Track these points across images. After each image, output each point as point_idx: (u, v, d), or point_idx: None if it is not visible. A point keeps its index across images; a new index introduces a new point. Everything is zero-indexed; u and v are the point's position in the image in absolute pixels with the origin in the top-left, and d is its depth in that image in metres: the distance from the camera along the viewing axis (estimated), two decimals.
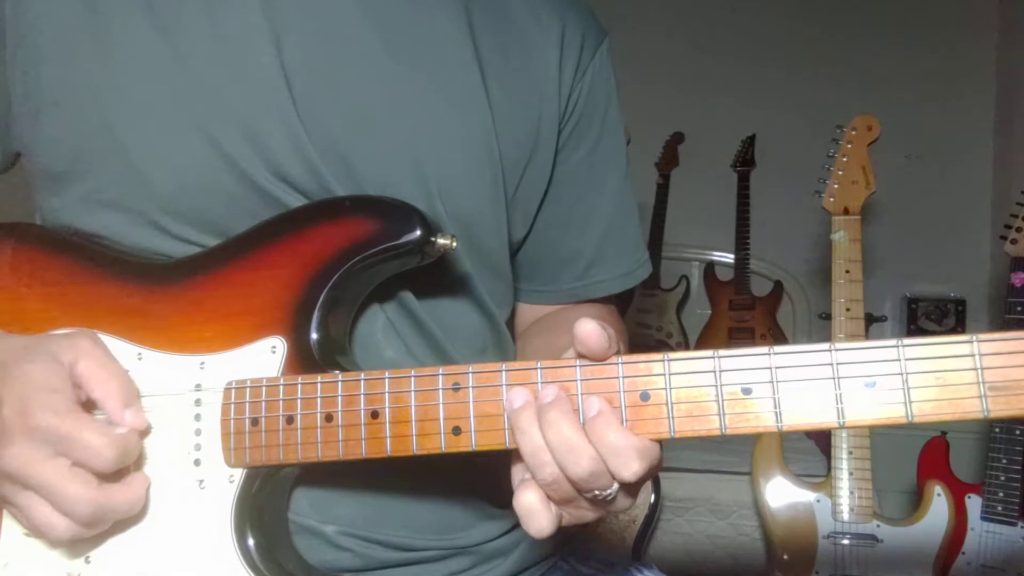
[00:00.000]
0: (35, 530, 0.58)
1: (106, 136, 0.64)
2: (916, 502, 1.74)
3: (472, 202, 0.71)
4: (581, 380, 0.53)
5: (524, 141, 0.74)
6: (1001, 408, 0.47)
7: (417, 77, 0.69)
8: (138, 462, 0.61)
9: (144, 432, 0.61)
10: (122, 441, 0.57)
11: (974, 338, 0.47)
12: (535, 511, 0.53)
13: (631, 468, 0.51)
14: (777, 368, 0.50)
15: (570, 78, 0.77)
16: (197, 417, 0.62)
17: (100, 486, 0.57)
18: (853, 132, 1.71)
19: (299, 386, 0.59)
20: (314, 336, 0.61)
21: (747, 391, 0.51)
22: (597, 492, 0.52)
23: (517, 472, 0.55)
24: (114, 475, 0.58)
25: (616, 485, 0.52)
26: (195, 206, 0.65)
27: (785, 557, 1.70)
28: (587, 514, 0.55)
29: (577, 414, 0.53)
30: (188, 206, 0.65)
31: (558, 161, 0.78)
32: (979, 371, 0.47)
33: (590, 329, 0.52)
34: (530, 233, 0.81)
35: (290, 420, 0.59)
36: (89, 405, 0.59)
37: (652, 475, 0.55)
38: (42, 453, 0.55)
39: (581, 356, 0.53)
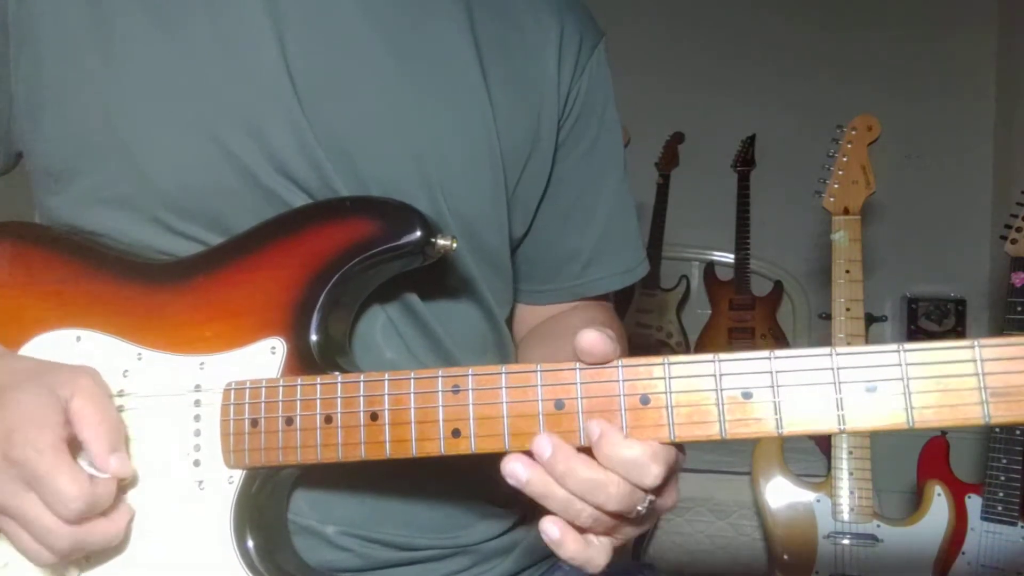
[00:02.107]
0: (22, 554, 0.58)
1: (108, 134, 0.64)
2: (916, 502, 1.74)
3: (473, 200, 0.71)
4: (581, 383, 0.53)
5: (524, 139, 0.74)
6: (1002, 414, 0.46)
7: (418, 76, 0.69)
8: (131, 482, 0.61)
9: (129, 480, 0.61)
10: (92, 493, 0.56)
11: (975, 343, 0.47)
12: (585, 555, 0.53)
13: (652, 474, 0.51)
14: (778, 372, 0.50)
15: (568, 77, 0.77)
16: (196, 418, 0.62)
17: (79, 521, 0.56)
18: (853, 132, 1.70)
19: (298, 387, 0.59)
20: (314, 337, 0.61)
21: (747, 395, 0.50)
22: (639, 508, 0.52)
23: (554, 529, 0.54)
24: None
25: (648, 496, 0.52)
26: (197, 203, 0.65)
27: (785, 557, 1.70)
28: (634, 531, 0.55)
29: (575, 428, 0.53)
30: (190, 203, 0.65)
31: (557, 159, 0.78)
32: (980, 376, 0.47)
33: (592, 338, 0.52)
34: (529, 231, 0.81)
35: (289, 421, 0.59)
36: (78, 443, 0.59)
37: (677, 471, 0.55)
38: (18, 486, 0.55)
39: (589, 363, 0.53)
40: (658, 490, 0.53)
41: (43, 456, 0.55)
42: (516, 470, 0.52)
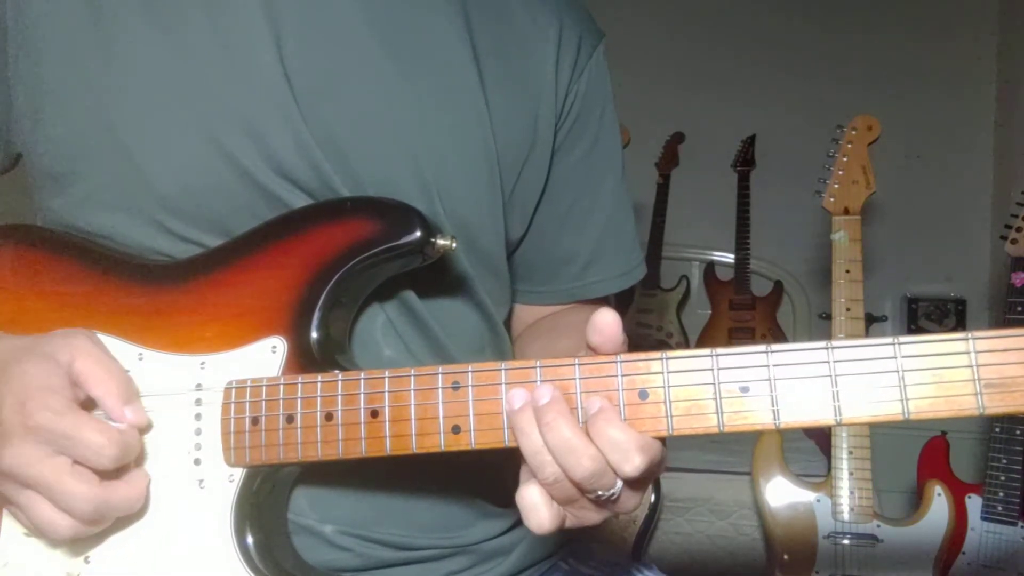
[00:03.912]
0: (36, 529, 0.58)
1: (108, 136, 0.64)
2: (916, 502, 1.74)
3: (470, 201, 0.71)
4: (580, 379, 0.53)
5: (521, 141, 0.75)
6: (997, 405, 0.47)
7: (416, 77, 0.69)
8: (138, 460, 0.61)
9: (145, 428, 0.61)
10: (122, 439, 0.57)
11: (970, 336, 0.48)
12: (536, 506, 0.53)
13: (632, 462, 0.51)
14: (775, 366, 0.50)
15: (567, 79, 0.77)
16: (197, 417, 0.62)
17: (101, 483, 0.57)
18: (853, 132, 1.71)
19: (299, 385, 0.59)
20: (314, 336, 0.61)
21: (745, 389, 0.51)
22: (600, 492, 0.52)
23: (525, 471, 0.56)
24: (114, 472, 0.58)
25: (619, 484, 0.52)
26: (197, 205, 0.65)
27: (785, 557, 1.70)
28: (591, 515, 0.55)
29: (575, 413, 0.53)
30: (190, 205, 0.65)
31: (555, 161, 0.78)
32: (975, 368, 0.47)
33: (610, 320, 0.52)
34: (527, 233, 0.81)
35: (290, 419, 0.59)
36: (88, 404, 0.59)
37: (655, 473, 0.55)
38: (41, 452, 0.55)
39: (593, 346, 0.53)
40: (632, 482, 0.53)
41: (63, 416, 0.55)
42: (515, 396, 0.53)
